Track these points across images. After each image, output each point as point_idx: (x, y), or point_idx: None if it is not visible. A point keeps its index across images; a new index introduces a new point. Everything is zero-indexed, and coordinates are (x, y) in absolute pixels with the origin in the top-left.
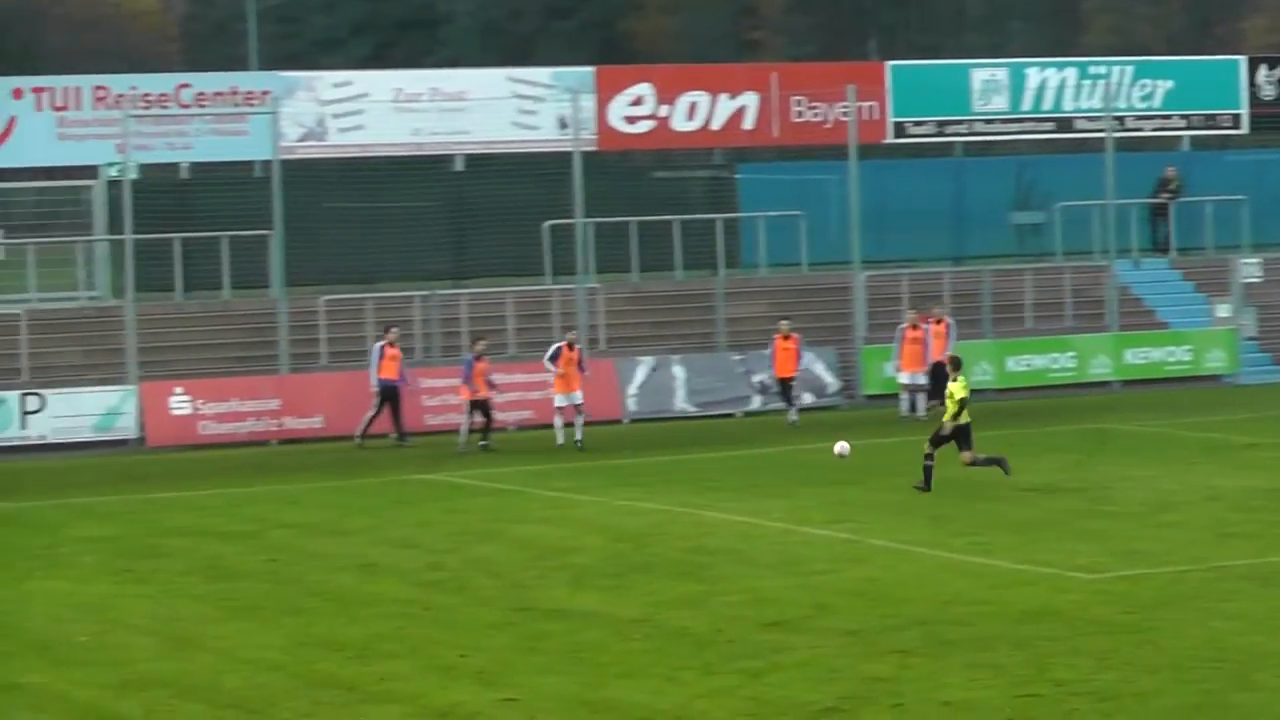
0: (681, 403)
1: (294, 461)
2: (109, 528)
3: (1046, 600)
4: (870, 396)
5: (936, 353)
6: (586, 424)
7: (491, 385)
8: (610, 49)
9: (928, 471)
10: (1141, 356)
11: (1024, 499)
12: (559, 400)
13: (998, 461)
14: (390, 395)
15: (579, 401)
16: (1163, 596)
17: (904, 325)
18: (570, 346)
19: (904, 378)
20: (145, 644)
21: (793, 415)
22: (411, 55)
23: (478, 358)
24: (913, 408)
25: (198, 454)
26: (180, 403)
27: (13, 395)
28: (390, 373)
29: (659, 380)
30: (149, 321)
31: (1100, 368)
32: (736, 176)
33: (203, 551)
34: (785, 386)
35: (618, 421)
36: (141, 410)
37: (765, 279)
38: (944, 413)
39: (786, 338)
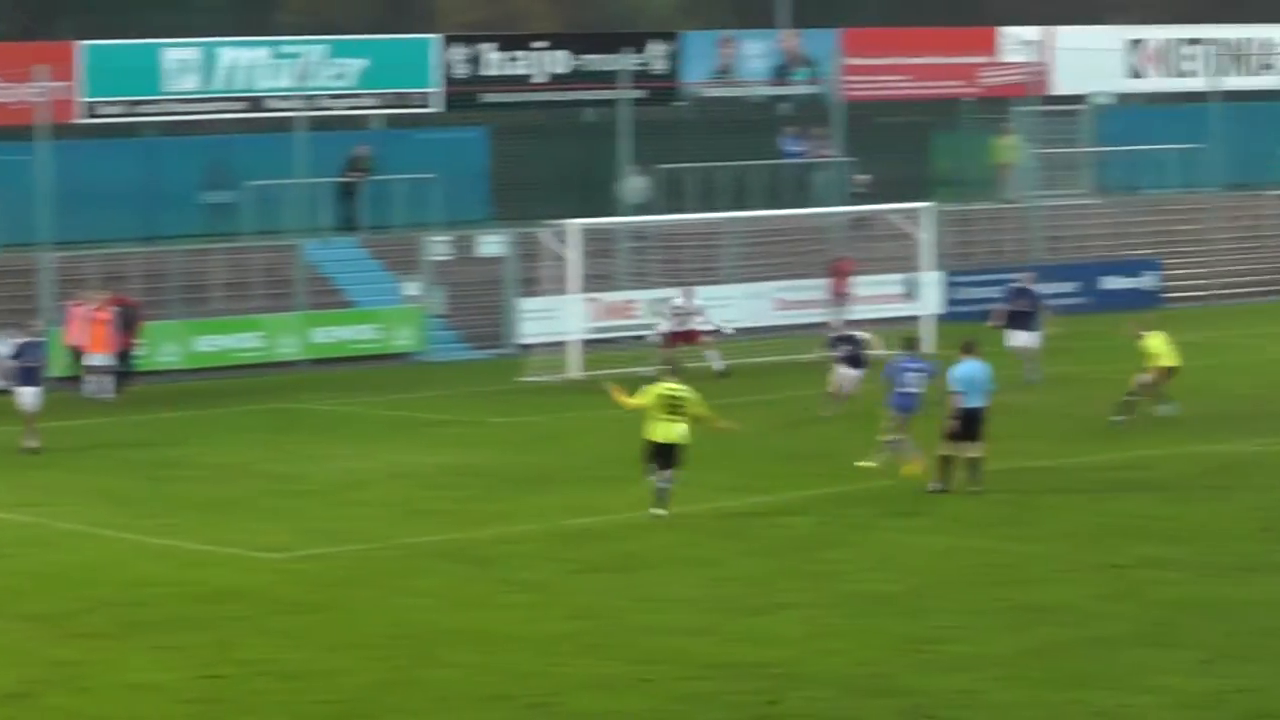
0: None
1: None
2: None
3: (233, 580)
4: (60, 379)
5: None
6: None
7: None
8: None
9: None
10: (329, 335)
11: (211, 479)
12: None
13: None
14: None
15: None
16: (349, 575)
17: (93, 306)
18: None
19: (95, 359)
20: None
21: None
22: None
23: None
24: (103, 389)
25: None
26: None
27: None
28: None
29: None
30: None
31: (288, 347)
32: None
33: None
34: None
35: None
36: None
37: None
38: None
39: None
